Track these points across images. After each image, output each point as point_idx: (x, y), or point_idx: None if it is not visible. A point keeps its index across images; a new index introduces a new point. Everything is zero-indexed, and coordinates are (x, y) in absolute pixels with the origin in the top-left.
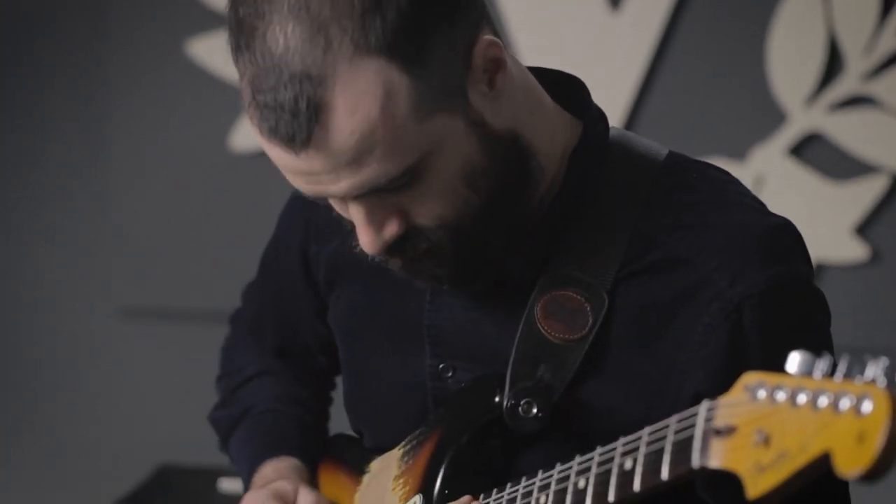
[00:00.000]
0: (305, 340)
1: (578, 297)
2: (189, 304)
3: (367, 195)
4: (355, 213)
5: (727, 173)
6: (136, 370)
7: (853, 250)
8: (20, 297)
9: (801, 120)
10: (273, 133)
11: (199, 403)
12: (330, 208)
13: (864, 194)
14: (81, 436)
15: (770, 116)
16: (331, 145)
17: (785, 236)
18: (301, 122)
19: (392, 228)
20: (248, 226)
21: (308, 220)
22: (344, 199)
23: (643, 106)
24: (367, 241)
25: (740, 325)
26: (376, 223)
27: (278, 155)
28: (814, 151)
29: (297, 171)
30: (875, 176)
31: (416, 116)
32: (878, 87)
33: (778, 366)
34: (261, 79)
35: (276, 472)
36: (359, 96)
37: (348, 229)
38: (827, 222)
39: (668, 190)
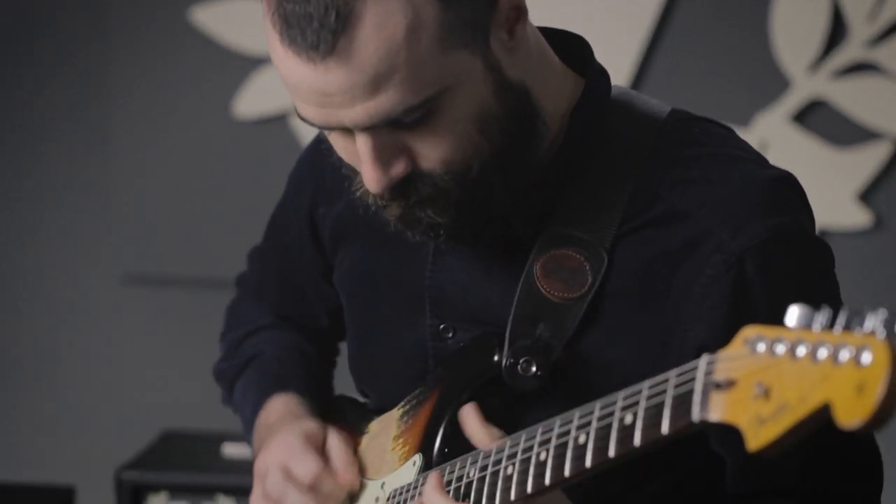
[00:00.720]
0: (311, 303)
1: (578, 255)
2: (191, 271)
3: (379, 127)
4: (363, 148)
5: (729, 129)
6: (139, 337)
7: (856, 216)
8: (23, 264)
9: (804, 87)
10: (295, 41)
11: (202, 370)
12: (338, 165)
13: (866, 161)
14: (85, 402)
15: (774, 83)
16: (353, 58)
17: (786, 188)
18: (327, 31)
19: (399, 168)
20: (250, 193)
21: (317, 181)
22: (354, 130)
23: (647, 72)
24: (372, 178)
25: (742, 276)
26: (383, 160)
27: (295, 69)
28: (817, 118)
29: (312, 89)
30: (878, 142)
31: (440, 46)
32: (882, 54)
33: (781, 317)
34: None
35: (286, 406)
36: (388, 14)
37: (350, 181)
38: (830, 189)
39: (670, 145)
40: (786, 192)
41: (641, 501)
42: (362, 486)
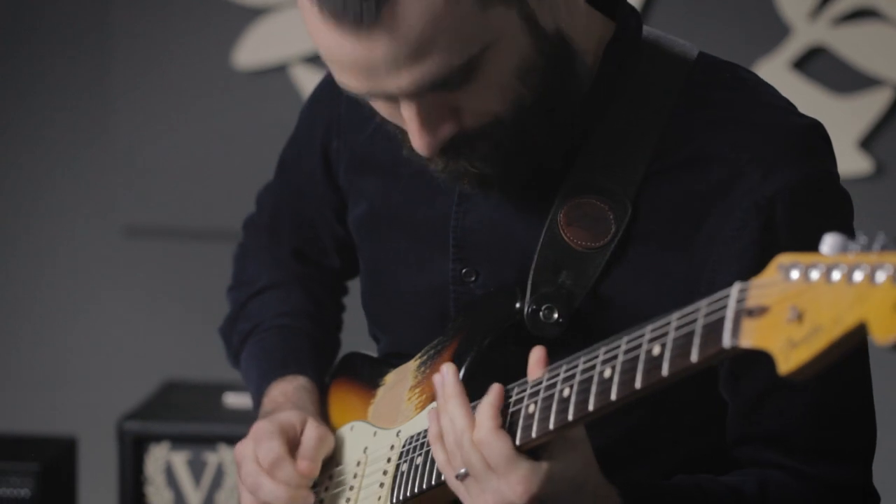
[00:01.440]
0: (323, 241)
1: (601, 204)
2: (193, 222)
3: (424, 93)
4: (409, 114)
5: (756, 75)
6: (140, 288)
7: (857, 164)
8: (25, 217)
9: (804, 33)
10: (336, 13)
11: (204, 320)
12: (357, 103)
13: (867, 108)
14: (87, 353)
15: (774, 30)
16: (397, 28)
17: (816, 136)
18: (370, 1)
19: (446, 129)
20: (251, 143)
21: (330, 116)
22: (399, 97)
23: (646, 20)
24: (422, 143)
25: (772, 219)
26: (431, 124)
27: (337, 41)
28: (817, 65)
29: (355, 61)
30: (879, 89)
31: (480, 5)
32: (883, 0)
33: None
34: None
35: (283, 395)
36: None
37: (376, 124)
38: (831, 136)
39: (701, 87)
40: (816, 140)
41: (657, 447)
42: (376, 435)
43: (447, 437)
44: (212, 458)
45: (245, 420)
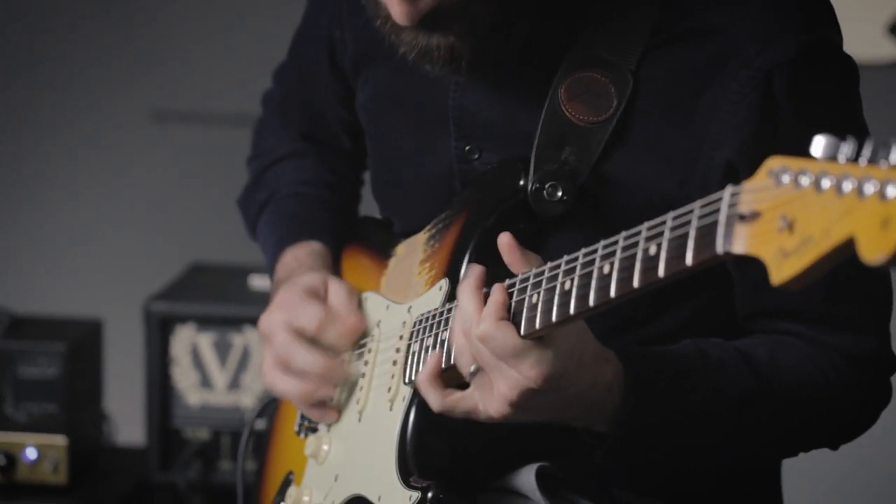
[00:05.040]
0: (331, 125)
1: (602, 78)
2: (219, 106)
3: None
4: None
5: None
6: (167, 171)
7: (885, 49)
8: (52, 100)
9: None
10: None
11: (230, 203)
12: None
13: None
14: (113, 236)
15: None
16: None
17: (815, 5)
18: None
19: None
20: (276, 27)
21: (334, 6)
22: None
23: None
24: (401, 11)
25: (770, 92)
26: None
27: None
28: None
29: None
30: None
31: None
32: None
33: (807, 135)
34: None
35: (296, 261)
36: None
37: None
38: (859, 21)
39: None
40: (816, 9)
41: (667, 327)
42: (389, 309)
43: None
44: (238, 340)
45: None
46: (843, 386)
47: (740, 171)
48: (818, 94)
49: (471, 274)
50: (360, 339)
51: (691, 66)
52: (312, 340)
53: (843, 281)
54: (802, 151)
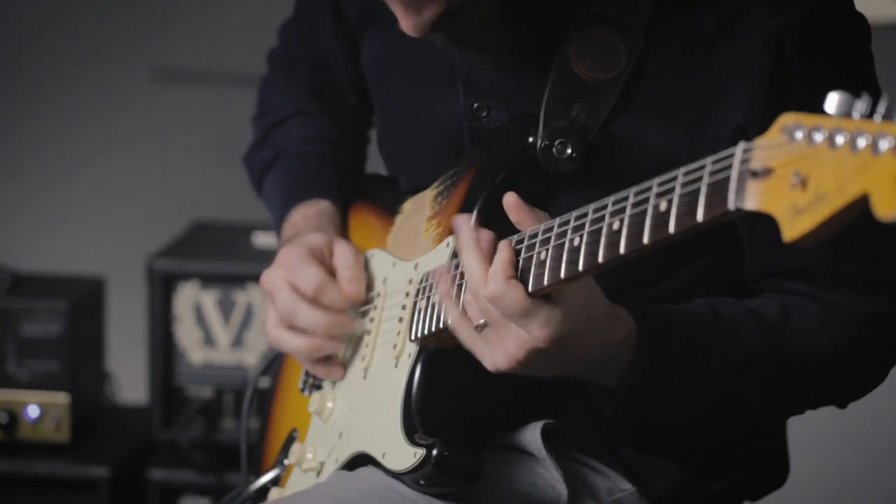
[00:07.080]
0: (338, 82)
1: (612, 35)
2: (222, 64)
3: None
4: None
5: None
6: (170, 129)
7: (894, 9)
8: (54, 58)
9: None
10: None
11: (233, 161)
12: None
13: None
14: (115, 194)
15: None
16: None
17: None
18: None
19: (432, 8)
20: None
21: None
22: None
23: None
24: (409, 24)
25: (782, 55)
26: (416, 5)
27: None
28: None
29: None
30: None
31: None
32: None
33: (820, 97)
34: None
35: (305, 219)
36: None
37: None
38: None
39: None
40: None
41: (677, 286)
42: (395, 266)
43: (465, 291)
44: (241, 298)
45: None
46: (853, 346)
47: (752, 133)
48: (831, 54)
49: (464, 232)
50: (366, 295)
51: (702, 27)
52: (313, 300)
53: (851, 241)
54: (815, 112)
